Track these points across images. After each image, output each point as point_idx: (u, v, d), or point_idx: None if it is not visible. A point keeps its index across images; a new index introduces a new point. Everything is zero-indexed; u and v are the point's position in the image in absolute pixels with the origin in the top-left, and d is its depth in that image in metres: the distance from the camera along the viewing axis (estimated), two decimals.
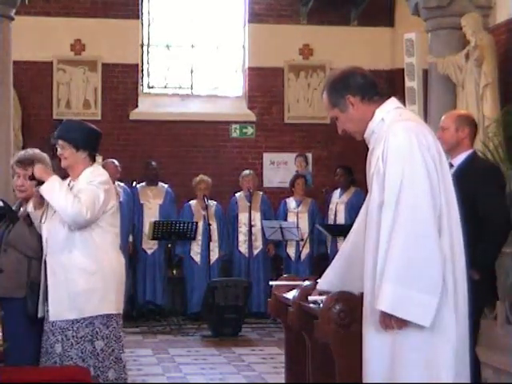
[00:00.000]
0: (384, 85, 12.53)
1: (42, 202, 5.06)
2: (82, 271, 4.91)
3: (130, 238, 10.82)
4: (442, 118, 5.66)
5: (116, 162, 10.49)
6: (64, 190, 4.90)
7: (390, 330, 3.42)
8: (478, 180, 5.28)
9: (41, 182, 4.93)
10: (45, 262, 5.00)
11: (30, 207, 5.15)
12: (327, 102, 3.75)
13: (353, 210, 10.50)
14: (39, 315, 5.06)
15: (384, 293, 3.38)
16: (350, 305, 3.94)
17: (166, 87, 12.66)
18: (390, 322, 3.42)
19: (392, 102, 3.72)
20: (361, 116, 3.68)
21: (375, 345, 3.51)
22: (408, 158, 3.45)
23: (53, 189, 4.90)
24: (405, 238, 3.38)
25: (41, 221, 5.06)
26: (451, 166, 5.17)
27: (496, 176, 5.48)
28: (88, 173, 5.04)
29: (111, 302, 4.98)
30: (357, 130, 3.73)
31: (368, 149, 3.75)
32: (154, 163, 11.43)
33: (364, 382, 3.56)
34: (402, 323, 3.41)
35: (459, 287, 3.50)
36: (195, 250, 11.06)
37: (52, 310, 4.94)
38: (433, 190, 3.44)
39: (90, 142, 5.13)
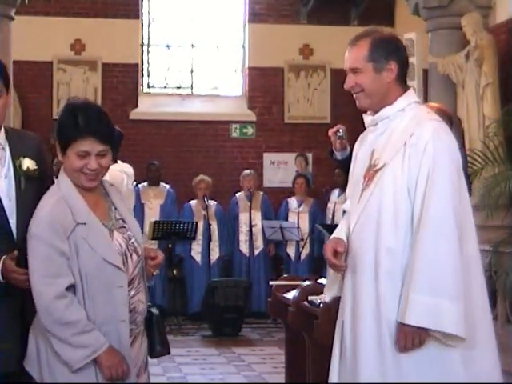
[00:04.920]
0: None
1: None
2: None
3: None
4: None
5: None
6: None
7: (409, 348, 3.13)
8: None
9: None
10: None
11: None
12: (365, 52, 3.47)
13: None
14: None
15: (412, 305, 3.11)
16: None
17: (165, 87, 12.66)
18: (417, 337, 3.13)
19: (413, 95, 3.49)
20: (386, 88, 3.42)
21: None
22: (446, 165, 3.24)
23: None
24: (430, 244, 3.15)
25: None
26: None
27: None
28: (113, 165, 5.03)
29: None
30: (370, 96, 3.43)
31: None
32: (157, 163, 11.43)
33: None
34: (424, 338, 3.15)
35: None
36: (195, 250, 11.06)
37: None
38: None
39: (116, 144, 5.09)
